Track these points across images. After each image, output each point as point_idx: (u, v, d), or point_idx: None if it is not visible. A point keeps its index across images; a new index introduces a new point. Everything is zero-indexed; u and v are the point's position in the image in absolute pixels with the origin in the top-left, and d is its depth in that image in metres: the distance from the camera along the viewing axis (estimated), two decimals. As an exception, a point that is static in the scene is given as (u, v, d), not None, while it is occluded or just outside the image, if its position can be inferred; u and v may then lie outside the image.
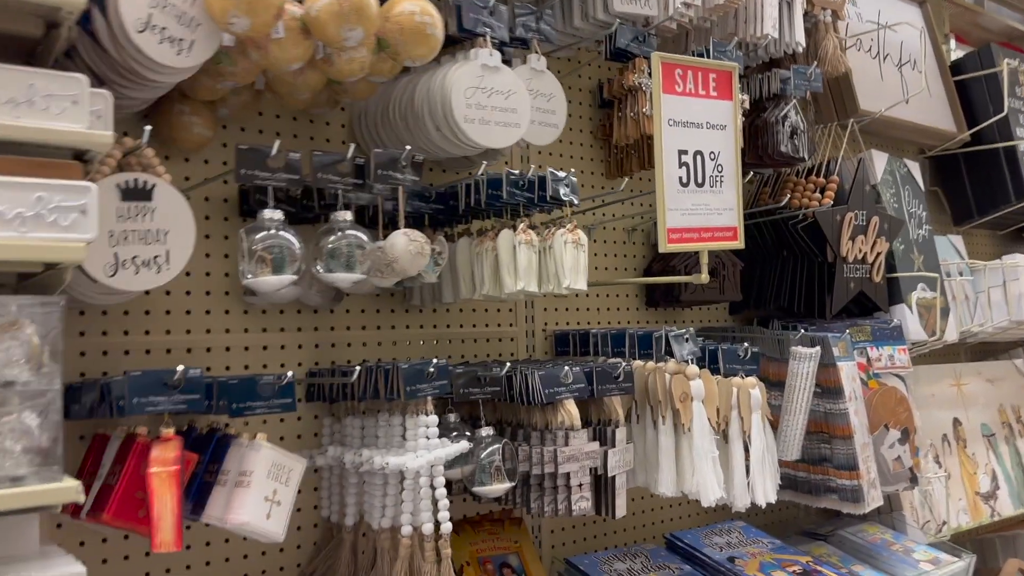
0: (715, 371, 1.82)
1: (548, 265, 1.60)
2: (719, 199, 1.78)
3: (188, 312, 1.54)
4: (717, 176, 1.77)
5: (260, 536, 1.28)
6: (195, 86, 1.40)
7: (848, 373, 2.06)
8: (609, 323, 2.19)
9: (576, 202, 1.62)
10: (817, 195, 2.24)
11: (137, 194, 1.17)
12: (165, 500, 1.13)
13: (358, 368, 1.40)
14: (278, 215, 1.28)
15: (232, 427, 1.36)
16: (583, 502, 1.55)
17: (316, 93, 1.50)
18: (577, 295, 2.12)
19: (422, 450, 1.40)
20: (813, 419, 2.05)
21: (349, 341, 1.73)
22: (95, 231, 1.01)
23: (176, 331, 1.53)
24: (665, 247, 1.69)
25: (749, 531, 2.13)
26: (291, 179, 1.29)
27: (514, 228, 1.56)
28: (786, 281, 2.30)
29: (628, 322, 2.23)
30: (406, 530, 1.41)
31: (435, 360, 1.42)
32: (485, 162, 1.54)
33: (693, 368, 1.75)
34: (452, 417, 1.59)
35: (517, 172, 1.56)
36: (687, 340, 1.78)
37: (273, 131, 1.66)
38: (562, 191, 1.60)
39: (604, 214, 2.18)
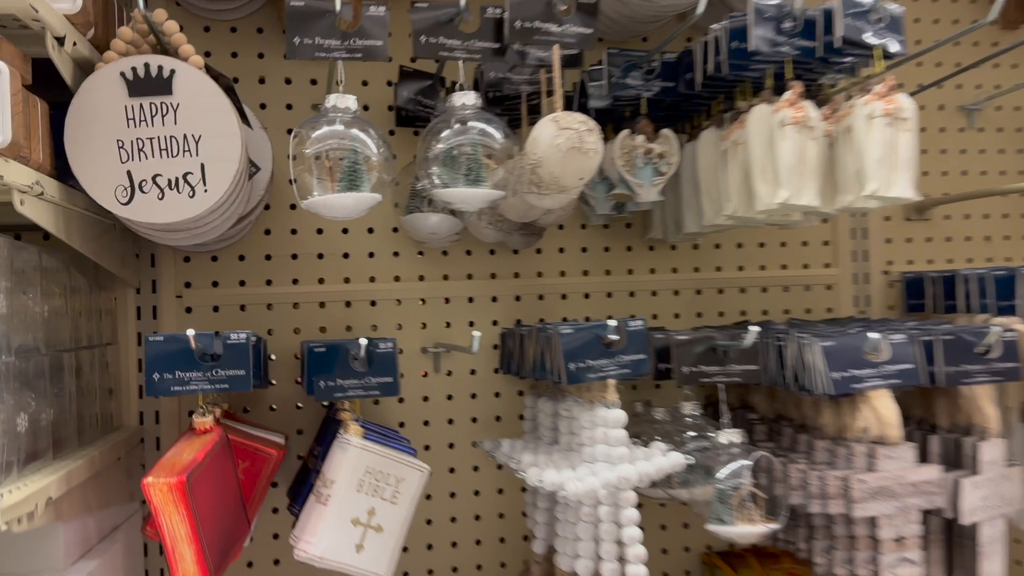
0: None
1: (845, 161, 0.94)
2: None
3: (346, 256, 1.20)
4: None
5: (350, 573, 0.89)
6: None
7: None
8: (1011, 262, 1.39)
9: (891, 50, 0.93)
10: None
11: (150, 86, 0.83)
12: (173, 521, 0.78)
13: (477, 335, 0.92)
14: (348, 102, 0.84)
15: (347, 412, 0.98)
16: (906, 567, 0.89)
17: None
18: (947, 217, 1.36)
19: (601, 463, 0.88)
20: None
21: (564, 292, 1.25)
22: None
23: (332, 279, 1.19)
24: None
25: None
26: (369, 47, 0.84)
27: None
28: None
29: (1048, 259, 1.40)
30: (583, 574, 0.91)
31: (614, 322, 0.88)
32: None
33: None
34: (688, 408, 1.04)
35: (775, 3, 0.92)
36: None
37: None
38: (867, 32, 0.92)
39: (998, 86, 1.38)
